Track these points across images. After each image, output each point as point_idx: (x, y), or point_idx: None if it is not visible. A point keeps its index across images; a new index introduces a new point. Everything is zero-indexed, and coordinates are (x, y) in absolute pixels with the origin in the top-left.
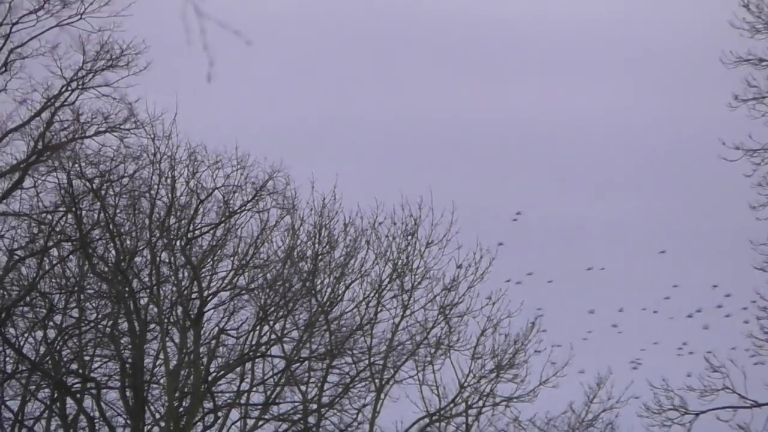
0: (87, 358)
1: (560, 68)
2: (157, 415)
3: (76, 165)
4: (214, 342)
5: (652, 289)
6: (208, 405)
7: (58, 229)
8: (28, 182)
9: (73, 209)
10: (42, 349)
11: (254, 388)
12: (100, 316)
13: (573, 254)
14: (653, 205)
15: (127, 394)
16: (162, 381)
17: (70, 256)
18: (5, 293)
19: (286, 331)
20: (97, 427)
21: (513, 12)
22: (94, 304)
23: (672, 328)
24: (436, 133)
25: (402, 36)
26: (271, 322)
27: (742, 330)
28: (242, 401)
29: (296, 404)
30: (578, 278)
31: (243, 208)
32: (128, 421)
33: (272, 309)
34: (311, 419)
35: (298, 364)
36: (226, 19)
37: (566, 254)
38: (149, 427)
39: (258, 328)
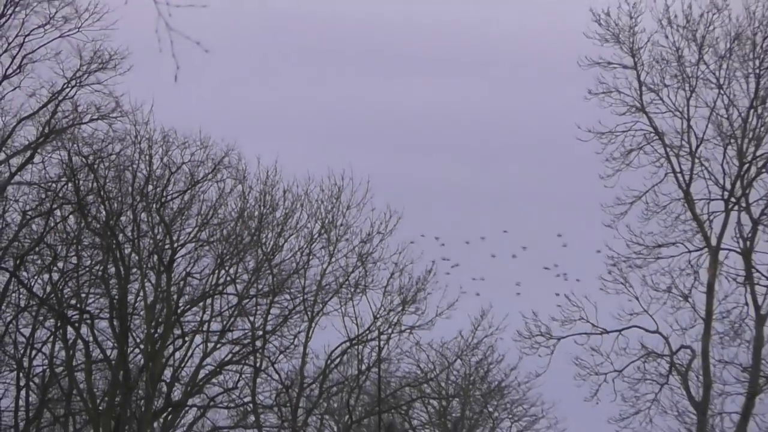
0: (83, 295)
1: (454, 67)
2: (138, 340)
3: (75, 145)
4: (182, 283)
5: (524, 240)
6: (177, 332)
7: (60, 195)
8: (37, 158)
9: (73, 179)
10: (48, 289)
11: (213, 319)
12: (93, 262)
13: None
14: (528, 175)
15: (115, 323)
16: (142, 313)
17: (70, 216)
18: (20, 245)
19: (238, 275)
20: (91, 349)
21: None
22: (89, 254)
23: (542, 273)
24: (360, 119)
25: (339, 43)
26: (227, 267)
27: (595, 273)
28: (204, 329)
29: (246, 331)
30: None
31: (205, 178)
32: (115, 345)
33: (227, 257)
34: (258, 343)
35: (248, 300)
36: (191, 29)
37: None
38: (131, 349)
39: (216, 272)
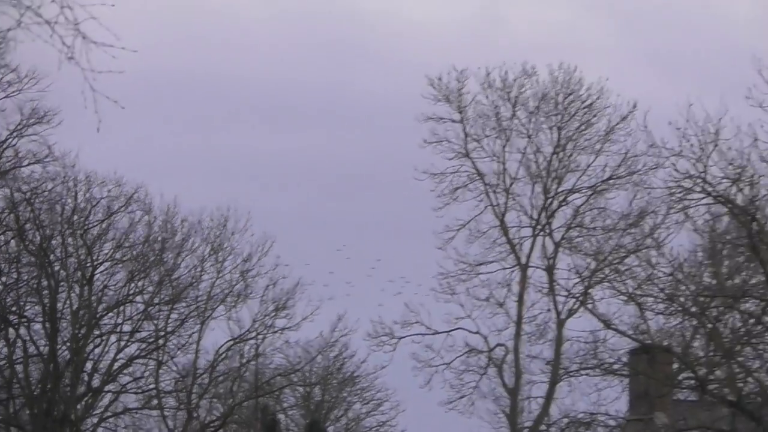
0: (21, 303)
1: (324, 118)
2: (65, 339)
3: (16, 183)
4: (100, 293)
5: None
6: (96, 332)
7: (3, 223)
8: None
9: (14, 211)
10: None
11: (125, 322)
12: (30, 277)
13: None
14: (381, 207)
15: (46, 326)
16: (68, 318)
17: (12, 240)
18: None
19: (144, 287)
20: (27, 346)
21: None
22: (26, 270)
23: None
24: (243, 162)
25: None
26: (136, 281)
27: (429, 285)
28: (118, 330)
29: (151, 332)
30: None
31: (119, 210)
32: (47, 343)
33: (136, 273)
34: (160, 341)
35: (152, 307)
36: (111, 89)
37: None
38: (60, 346)
39: (127, 284)
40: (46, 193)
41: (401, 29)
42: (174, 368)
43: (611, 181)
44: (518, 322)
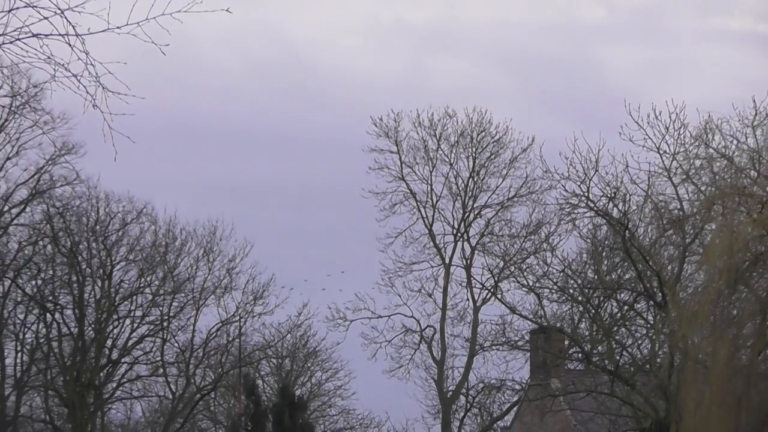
0: (57, 294)
1: (306, 146)
2: (90, 321)
3: (51, 201)
4: (117, 286)
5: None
6: (114, 317)
7: (42, 232)
8: (27, 209)
9: (49, 222)
10: (35, 290)
11: (137, 309)
12: (62, 273)
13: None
14: (330, 220)
15: (76, 312)
16: (93, 305)
17: (48, 245)
18: (16, 263)
19: (152, 281)
20: (61, 327)
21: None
22: (60, 268)
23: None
24: (232, 182)
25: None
26: (145, 276)
27: (373, 279)
28: (131, 315)
29: (157, 316)
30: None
31: (131, 221)
32: (76, 325)
33: (146, 270)
34: (165, 323)
35: (159, 296)
36: (123, 125)
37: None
38: (86, 328)
39: (139, 279)
40: (74, 209)
41: (351, 79)
42: (175, 344)
43: (515, 199)
44: (443, 309)
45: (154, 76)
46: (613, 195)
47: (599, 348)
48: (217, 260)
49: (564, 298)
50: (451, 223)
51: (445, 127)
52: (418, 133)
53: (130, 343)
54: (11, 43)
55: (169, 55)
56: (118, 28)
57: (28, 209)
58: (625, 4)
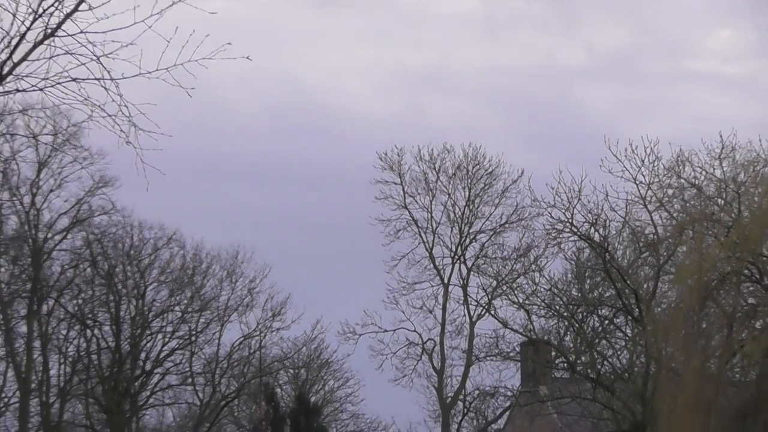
0: (96, 311)
1: (307, 179)
2: (126, 336)
3: (90, 228)
4: (150, 305)
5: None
6: (147, 332)
7: (82, 256)
8: (69, 236)
9: (89, 247)
10: (76, 308)
11: (168, 325)
12: (101, 293)
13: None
14: (340, 246)
15: (113, 328)
16: (128, 322)
17: (87, 268)
18: (59, 284)
19: (181, 300)
20: (99, 342)
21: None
22: (98, 288)
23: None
24: (255, 213)
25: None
26: (175, 296)
27: (381, 297)
28: (163, 330)
29: (186, 331)
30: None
31: (162, 246)
32: (114, 339)
33: (175, 290)
34: (193, 338)
35: (187, 314)
36: (154, 159)
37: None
38: (122, 342)
39: (169, 298)
40: (111, 235)
41: (358, 118)
42: (202, 357)
43: (506, 225)
44: (443, 324)
45: (180, 115)
46: (594, 221)
47: (583, 358)
48: (239, 281)
49: (551, 313)
50: (450, 246)
51: (444, 161)
52: (419, 166)
53: (161, 355)
54: (53, 86)
55: (194, 96)
56: (149, 72)
57: (69, 236)
58: (603, 48)
